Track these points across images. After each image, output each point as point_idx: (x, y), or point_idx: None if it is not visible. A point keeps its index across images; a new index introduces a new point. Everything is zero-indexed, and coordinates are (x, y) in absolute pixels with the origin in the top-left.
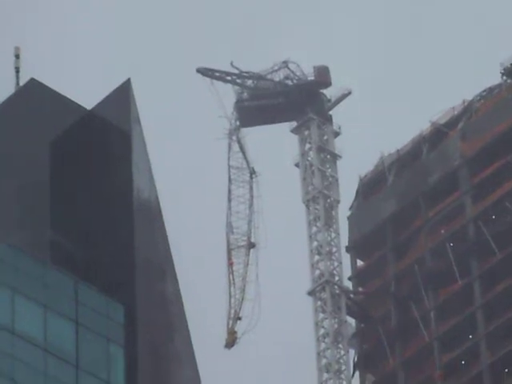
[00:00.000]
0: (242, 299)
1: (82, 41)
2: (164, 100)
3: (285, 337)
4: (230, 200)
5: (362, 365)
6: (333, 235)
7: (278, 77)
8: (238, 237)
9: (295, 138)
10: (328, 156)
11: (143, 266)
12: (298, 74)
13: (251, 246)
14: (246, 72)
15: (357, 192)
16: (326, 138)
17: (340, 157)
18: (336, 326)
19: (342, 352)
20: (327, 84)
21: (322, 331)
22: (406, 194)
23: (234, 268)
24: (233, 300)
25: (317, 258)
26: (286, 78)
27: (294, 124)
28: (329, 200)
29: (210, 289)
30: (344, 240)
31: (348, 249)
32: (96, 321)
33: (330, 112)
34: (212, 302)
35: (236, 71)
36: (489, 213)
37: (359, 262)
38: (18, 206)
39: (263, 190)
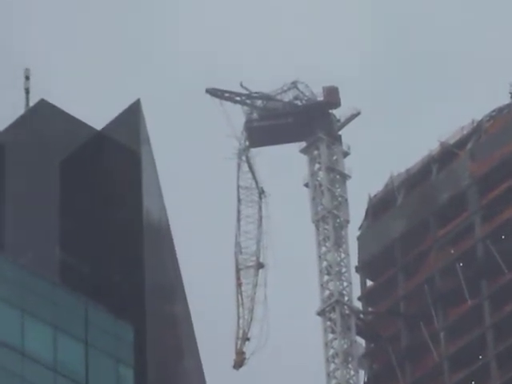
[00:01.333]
0: (251, 320)
1: (91, 62)
2: (174, 120)
3: (294, 357)
4: (238, 220)
5: None
6: (342, 255)
7: (288, 97)
8: (247, 257)
9: (304, 158)
10: (337, 176)
11: (153, 286)
12: (307, 94)
13: (260, 266)
14: (255, 92)
15: (366, 212)
16: (335, 157)
17: (349, 177)
18: (346, 346)
19: (352, 372)
20: (336, 104)
21: (331, 352)
22: (416, 214)
23: (243, 288)
24: (241, 320)
25: (326, 278)
26: (296, 98)
27: (304, 144)
28: (338, 220)
29: (218, 309)
30: (353, 260)
31: (357, 269)
32: (106, 341)
33: (340, 132)
34: (221, 323)
35: (245, 92)
36: (498, 233)
37: (369, 282)
38: (27, 226)
39: (272, 210)
